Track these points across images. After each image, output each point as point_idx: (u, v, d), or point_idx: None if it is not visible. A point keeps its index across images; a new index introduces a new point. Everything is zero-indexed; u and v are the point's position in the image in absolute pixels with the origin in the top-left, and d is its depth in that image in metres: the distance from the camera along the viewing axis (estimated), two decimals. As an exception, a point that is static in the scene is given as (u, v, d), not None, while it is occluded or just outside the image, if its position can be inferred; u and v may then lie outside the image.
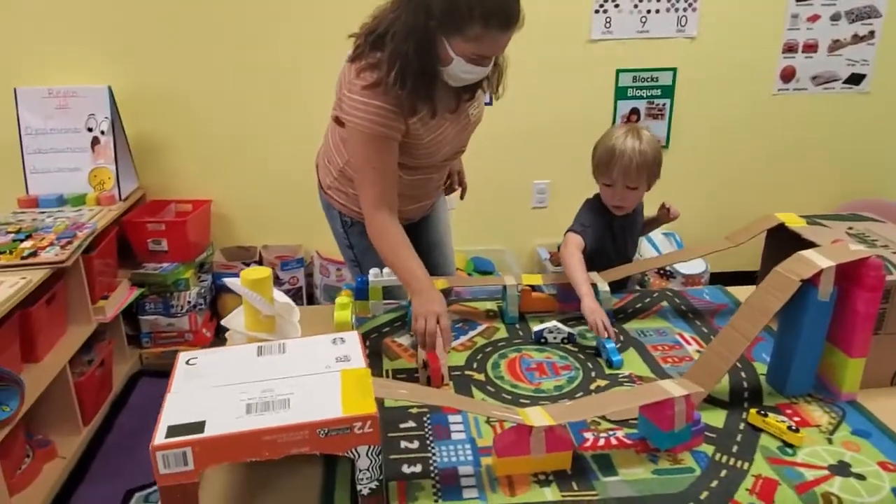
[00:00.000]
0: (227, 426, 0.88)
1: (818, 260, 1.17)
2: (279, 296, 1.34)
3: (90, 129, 2.61)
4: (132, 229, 2.65)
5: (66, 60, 2.68)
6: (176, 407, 0.93)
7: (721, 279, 2.75)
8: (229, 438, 0.86)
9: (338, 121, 1.54)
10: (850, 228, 1.46)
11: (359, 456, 0.92)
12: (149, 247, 2.67)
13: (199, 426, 0.88)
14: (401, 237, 1.48)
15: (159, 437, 0.86)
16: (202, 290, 2.77)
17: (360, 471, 0.93)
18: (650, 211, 1.78)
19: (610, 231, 1.65)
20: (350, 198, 1.69)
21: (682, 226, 3.11)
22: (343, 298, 1.35)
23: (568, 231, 1.61)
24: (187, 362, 1.05)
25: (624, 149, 1.54)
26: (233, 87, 2.81)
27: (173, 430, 0.87)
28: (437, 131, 1.53)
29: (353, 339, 1.10)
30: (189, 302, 2.70)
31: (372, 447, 0.92)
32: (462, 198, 2.00)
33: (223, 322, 1.31)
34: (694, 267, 2.79)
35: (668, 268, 2.78)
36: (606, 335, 1.38)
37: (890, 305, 1.22)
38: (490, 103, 1.66)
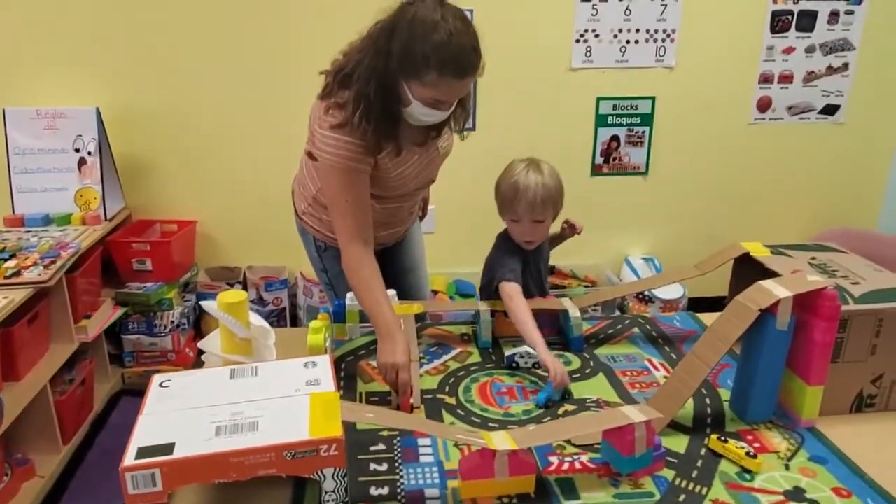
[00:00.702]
0: (195, 448, 0.90)
1: (776, 290, 1.21)
2: (255, 319, 1.37)
3: (77, 150, 2.64)
4: (117, 249, 2.67)
5: (54, 82, 2.72)
6: (147, 429, 0.96)
7: (699, 303, 2.81)
8: (197, 460, 0.89)
9: (310, 155, 1.59)
10: (813, 259, 1.50)
11: (325, 478, 0.94)
12: (133, 266, 2.69)
13: (168, 448, 0.90)
14: (374, 275, 1.48)
15: (129, 459, 0.88)
16: (185, 310, 2.79)
17: (326, 493, 0.95)
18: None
19: (527, 265, 1.64)
20: (323, 223, 1.73)
21: (661, 250, 3.18)
22: (316, 323, 1.38)
23: (500, 282, 1.54)
24: (161, 384, 1.07)
25: (528, 184, 1.52)
26: (219, 109, 2.85)
27: (143, 452, 0.90)
28: (404, 165, 1.58)
29: (324, 364, 1.13)
30: (172, 322, 2.71)
31: (337, 469, 0.94)
32: (421, 219, 2.03)
33: (199, 345, 1.34)
34: (672, 292, 2.84)
35: (646, 293, 2.83)
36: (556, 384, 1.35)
37: (847, 335, 1.26)
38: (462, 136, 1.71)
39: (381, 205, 1.63)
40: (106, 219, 2.64)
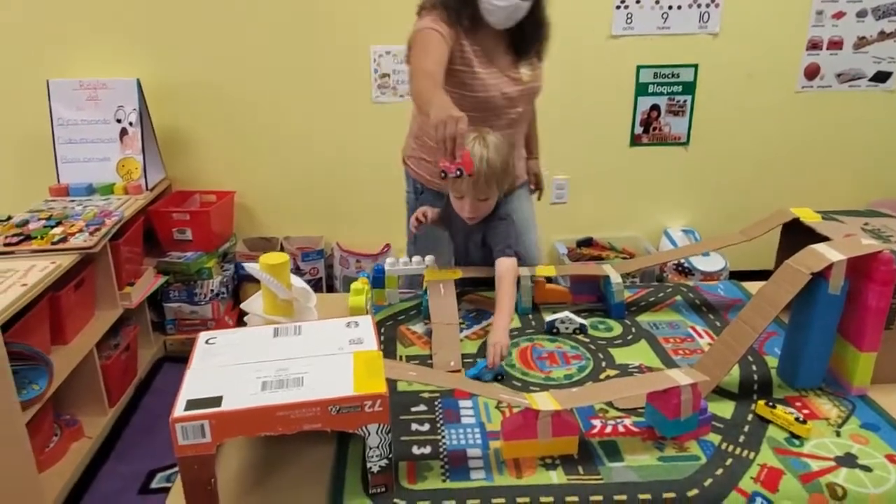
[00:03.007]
0: (242, 401, 0.91)
1: (829, 253, 1.17)
2: (297, 281, 1.38)
3: (119, 121, 2.68)
4: (158, 218, 2.71)
5: (96, 54, 2.75)
6: (195, 383, 0.97)
7: (740, 277, 2.74)
8: (245, 413, 0.90)
9: (408, 61, 1.68)
10: (866, 224, 1.45)
11: (369, 434, 0.95)
12: (174, 236, 2.73)
13: (216, 401, 0.91)
14: (433, 74, 1.52)
15: (178, 410, 0.90)
16: (225, 279, 2.83)
17: (370, 448, 0.96)
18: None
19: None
20: (422, 165, 1.85)
21: (701, 223, 3.11)
22: (358, 284, 1.38)
23: (511, 256, 1.51)
24: (207, 342, 1.09)
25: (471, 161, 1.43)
26: (258, 81, 2.86)
27: (192, 404, 0.91)
28: (487, 68, 1.69)
29: (366, 323, 1.13)
30: (212, 290, 2.76)
31: (382, 425, 0.95)
32: (539, 198, 2.10)
33: (242, 306, 1.35)
34: (713, 264, 2.78)
35: (686, 264, 2.78)
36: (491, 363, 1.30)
37: (902, 301, 1.22)
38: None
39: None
40: (147, 189, 2.68)
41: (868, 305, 1.18)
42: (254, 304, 1.36)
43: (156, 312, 2.78)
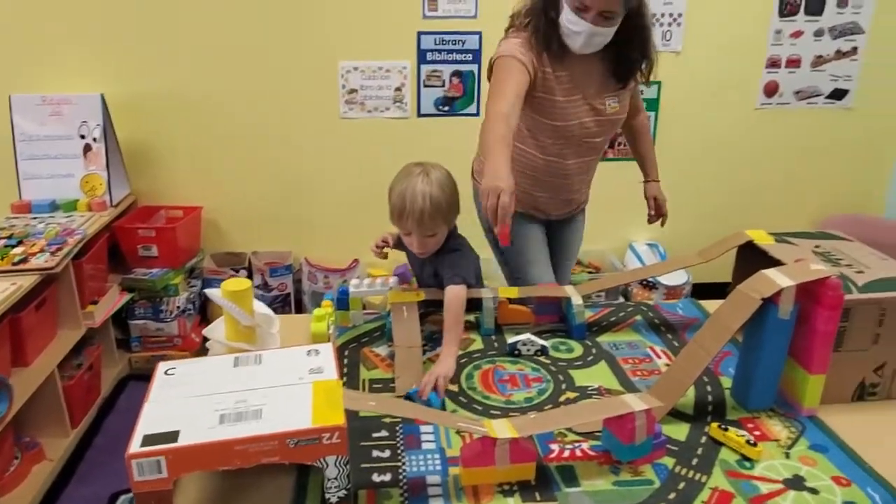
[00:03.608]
0: (200, 436, 0.91)
1: (779, 279, 1.21)
2: (259, 307, 1.38)
3: (83, 136, 2.65)
4: (123, 235, 2.68)
5: (60, 69, 2.72)
6: (153, 416, 0.97)
7: (703, 289, 2.80)
8: (202, 448, 0.90)
9: (489, 78, 1.70)
10: (818, 246, 1.50)
11: (327, 465, 0.96)
12: (139, 252, 2.71)
13: (173, 435, 0.91)
14: (505, 121, 1.51)
15: (134, 446, 0.89)
16: (191, 296, 2.80)
17: (329, 480, 0.97)
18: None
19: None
20: None
21: (665, 237, 3.17)
22: (319, 311, 1.39)
23: (459, 284, 1.48)
24: (166, 372, 1.09)
25: (415, 198, 1.43)
26: (225, 95, 2.85)
27: (148, 440, 0.91)
28: (570, 96, 1.72)
29: (326, 352, 1.14)
30: (178, 307, 2.73)
31: (340, 457, 0.96)
32: (662, 225, 2.11)
33: (204, 332, 1.35)
34: (676, 278, 2.84)
35: (650, 279, 2.83)
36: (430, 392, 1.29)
37: (849, 324, 1.26)
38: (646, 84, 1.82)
39: (543, 152, 1.78)
40: (112, 205, 2.65)
41: (816, 329, 1.22)
42: (216, 330, 1.36)
43: (121, 330, 2.75)
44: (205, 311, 2.95)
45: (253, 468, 0.93)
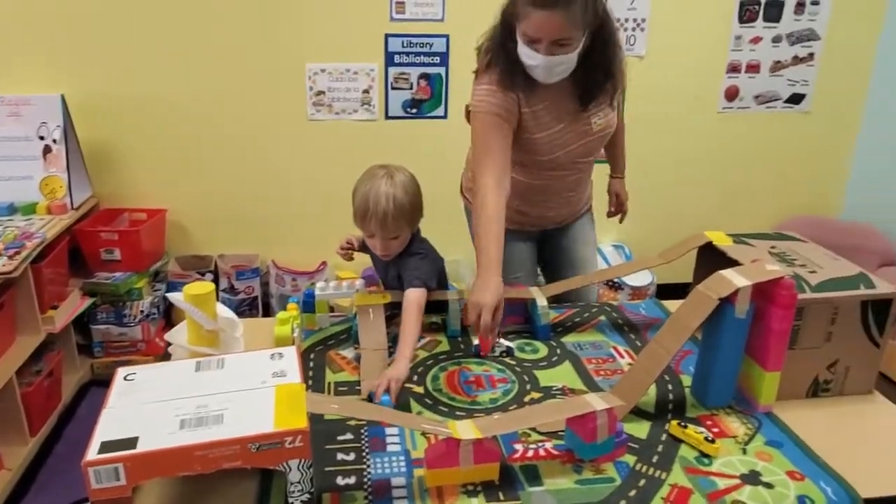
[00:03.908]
0: (159, 442, 0.90)
1: (735, 279, 1.24)
2: (223, 310, 1.37)
3: (42, 138, 2.59)
4: (84, 238, 2.63)
5: (18, 69, 2.66)
6: (111, 423, 0.95)
7: (667, 289, 2.85)
8: (161, 454, 0.89)
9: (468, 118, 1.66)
10: (774, 247, 1.54)
11: (290, 469, 0.95)
12: (101, 256, 2.65)
13: (131, 442, 0.90)
14: (495, 216, 1.49)
15: (91, 453, 0.88)
16: (156, 300, 2.76)
17: (292, 484, 0.96)
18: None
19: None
20: None
21: (631, 238, 3.22)
22: (283, 314, 1.38)
23: (418, 287, 1.49)
24: (125, 378, 1.07)
25: (378, 200, 1.44)
26: (190, 96, 2.81)
27: (106, 446, 0.90)
28: (548, 130, 1.64)
29: (290, 355, 1.13)
30: (142, 311, 2.69)
31: (303, 461, 0.95)
32: (620, 221, 2.09)
33: (166, 336, 1.33)
34: (640, 279, 2.88)
35: (616, 280, 2.87)
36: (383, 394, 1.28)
37: (803, 322, 1.30)
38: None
39: (533, 179, 1.72)
40: (72, 207, 2.59)
41: (772, 328, 1.25)
42: (178, 334, 1.34)
43: (82, 335, 2.69)
44: (169, 316, 2.91)
45: (215, 473, 0.92)
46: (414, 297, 1.47)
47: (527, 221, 1.83)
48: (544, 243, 1.91)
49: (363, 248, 1.65)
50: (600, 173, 1.99)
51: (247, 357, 1.14)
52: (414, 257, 1.55)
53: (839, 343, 1.33)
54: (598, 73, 1.60)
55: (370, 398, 1.30)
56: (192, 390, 1.03)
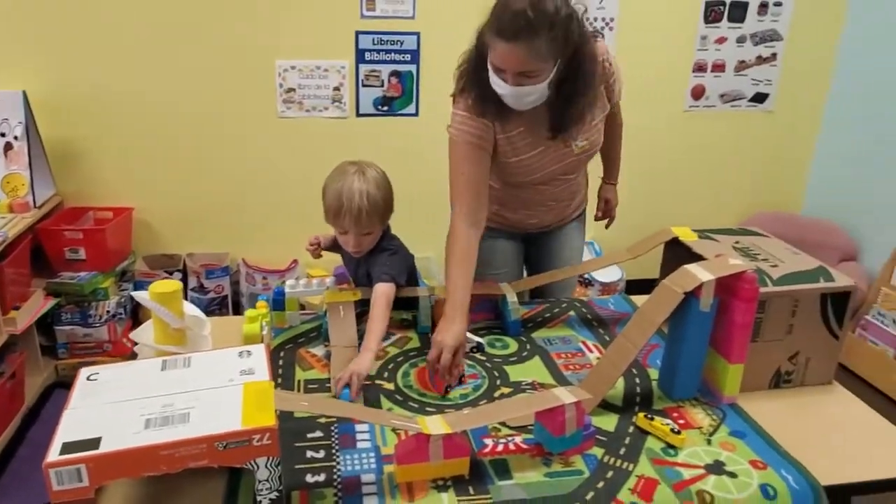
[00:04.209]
0: (123, 442, 0.89)
1: (700, 274, 1.27)
2: (190, 308, 1.35)
3: (3, 135, 2.53)
4: (47, 237, 2.57)
5: (-24, 63, 2.59)
6: (73, 423, 0.94)
7: (636, 285, 2.89)
8: (125, 454, 0.88)
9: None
10: (737, 242, 1.57)
11: (258, 467, 0.95)
12: (66, 255, 2.60)
13: (94, 442, 0.89)
14: (466, 255, 1.49)
15: (52, 455, 0.87)
16: (122, 300, 2.71)
17: (260, 482, 0.96)
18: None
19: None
20: None
21: (600, 235, 3.25)
22: (252, 312, 1.37)
23: (387, 282, 1.50)
24: (88, 378, 1.05)
25: (352, 197, 1.45)
26: (157, 92, 2.76)
27: (68, 447, 0.88)
28: (525, 154, 1.61)
29: (259, 352, 1.12)
30: (108, 312, 2.64)
31: (271, 459, 0.95)
32: (607, 227, 2.07)
33: (131, 335, 1.31)
34: (610, 275, 2.92)
35: (586, 276, 2.90)
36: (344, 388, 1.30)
37: (765, 315, 1.33)
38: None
39: (513, 191, 1.71)
40: (35, 206, 2.53)
41: (735, 321, 1.28)
42: (144, 333, 1.32)
43: (46, 336, 2.63)
44: (137, 316, 2.85)
45: (181, 473, 0.91)
46: (382, 292, 1.47)
47: (509, 224, 1.82)
48: (530, 244, 1.89)
49: (331, 247, 1.65)
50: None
51: (214, 355, 1.13)
52: (384, 253, 1.55)
53: (800, 335, 1.36)
54: (572, 102, 1.52)
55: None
56: (158, 389, 1.01)
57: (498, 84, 1.45)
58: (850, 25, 3.15)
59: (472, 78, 1.51)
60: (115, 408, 0.97)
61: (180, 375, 1.06)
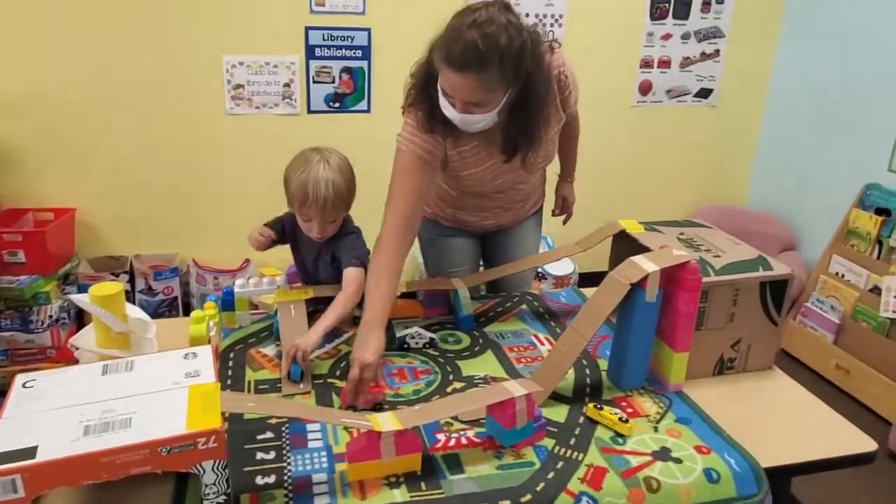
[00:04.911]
0: (61, 450, 0.86)
1: (645, 265, 1.29)
2: (133, 311, 1.32)
3: (-69, 133, 2.41)
4: (-17, 240, 2.47)
5: None
6: (7, 432, 0.91)
7: (589, 277, 2.93)
8: (63, 462, 0.85)
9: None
10: (682, 234, 1.61)
11: (204, 471, 0.93)
12: (4, 259, 2.49)
13: (30, 451, 0.86)
14: (387, 267, 1.44)
15: (-15, 466, 0.83)
16: (65, 304, 2.62)
17: (206, 486, 0.94)
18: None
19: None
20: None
21: (552, 229, 3.28)
22: (198, 313, 1.34)
23: (357, 266, 1.53)
24: (24, 385, 1.02)
25: (318, 185, 1.45)
26: (99, 89, 2.67)
27: (2, 457, 0.85)
28: (476, 168, 1.59)
29: (205, 354, 1.10)
30: (51, 316, 2.55)
31: (217, 462, 0.93)
32: (564, 223, 2.07)
33: (71, 340, 1.27)
34: (563, 268, 2.96)
35: (540, 270, 2.93)
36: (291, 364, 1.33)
37: (708, 304, 1.37)
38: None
39: (467, 197, 1.72)
40: (-32, 208, 2.43)
41: (679, 310, 1.31)
42: (85, 337, 1.28)
43: (-16, 344, 2.53)
44: (82, 320, 2.76)
45: (127, 479, 0.89)
46: (354, 276, 1.49)
47: (466, 225, 1.82)
48: (487, 241, 1.90)
49: (278, 240, 1.63)
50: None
51: (158, 358, 1.10)
52: (350, 236, 1.56)
53: (741, 323, 1.40)
54: (524, 128, 1.50)
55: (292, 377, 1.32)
56: (98, 395, 0.99)
57: (446, 108, 1.42)
58: (788, 23, 3.25)
59: (422, 94, 1.48)
60: (52, 415, 0.94)
61: (122, 380, 1.03)
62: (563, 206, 2.06)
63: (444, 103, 1.42)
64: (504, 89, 1.39)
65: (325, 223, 1.51)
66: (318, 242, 1.57)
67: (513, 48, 1.32)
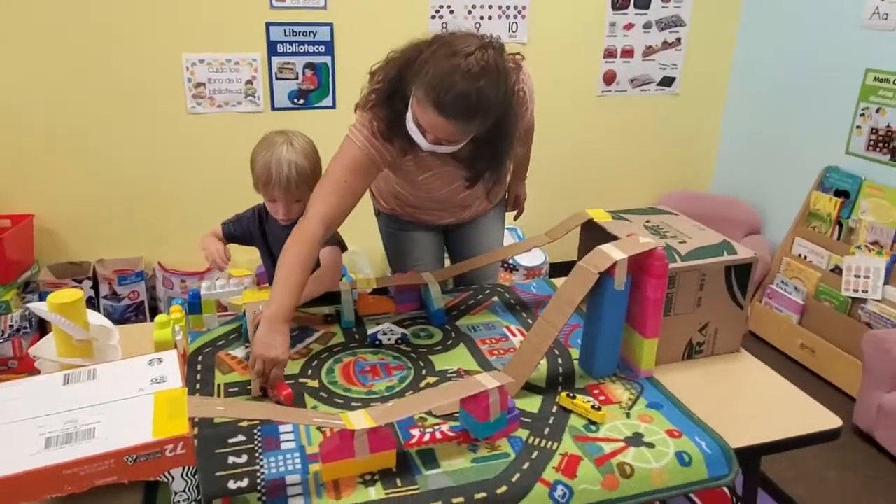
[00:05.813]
0: (21, 464, 0.84)
1: (613, 253, 1.30)
2: (94, 317, 1.28)
3: None
4: (-63, 250, 2.39)
5: None
6: (-36, 449, 0.87)
7: (560, 267, 2.95)
8: (23, 477, 0.83)
9: None
10: (648, 221, 1.62)
11: (173, 479, 0.91)
12: (-41, 268, 2.42)
13: (-12, 467, 0.83)
14: (302, 260, 1.37)
15: (-59, 484, 0.80)
16: (27, 313, 2.55)
17: (176, 493, 0.92)
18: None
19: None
20: (380, 192, 1.85)
21: (523, 221, 3.30)
22: (163, 317, 1.31)
23: (333, 245, 1.57)
24: (-19, 398, 0.98)
25: (280, 167, 1.47)
26: (52, 89, 2.60)
27: (-42, 475, 0.82)
28: (431, 171, 1.61)
29: (170, 359, 1.08)
30: (11, 326, 2.48)
31: (187, 468, 0.91)
32: (515, 219, 2.07)
33: (30, 350, 1.24)
34: (533, 259, 2.97)
35: (510, 261, 2.94)
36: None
37: (676, 290, 1.38)
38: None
39: (425, 200, 1.74)
40: (-80, 217, 2.35)
41: (647, 297, 1.32)
42: (45, 347, 1.25)
43: (-58, 357, 2.45)
44: (44, 329, 2.70)
45: (94, 491, 0.87)
46: (331, 256, 1.51)
47: (424, 221, 1.83)
48: (450, 234, 1.91)
49: (233, 238, 1.68)
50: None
51: (122, 365, 1.08)
52: None
53: (708, 307, 1.42)
54: (486, 160, 1.52)
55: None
56: (60, 405, 0.96)
57: (415, 133, 1.40)
58: (747, 10, 3.30)
59: (387, 104, 1.44)
60: (10, 428, 0.91)
61: (84, 389, 1.01)
62: (515, 203, 2.08)
63: (412, 128, 1.40)
64: (478, 131, 1.41)
65: (289, 203, 1.53)
66: (286, 231, 1.54)
67: (500, 101, 1.35)
